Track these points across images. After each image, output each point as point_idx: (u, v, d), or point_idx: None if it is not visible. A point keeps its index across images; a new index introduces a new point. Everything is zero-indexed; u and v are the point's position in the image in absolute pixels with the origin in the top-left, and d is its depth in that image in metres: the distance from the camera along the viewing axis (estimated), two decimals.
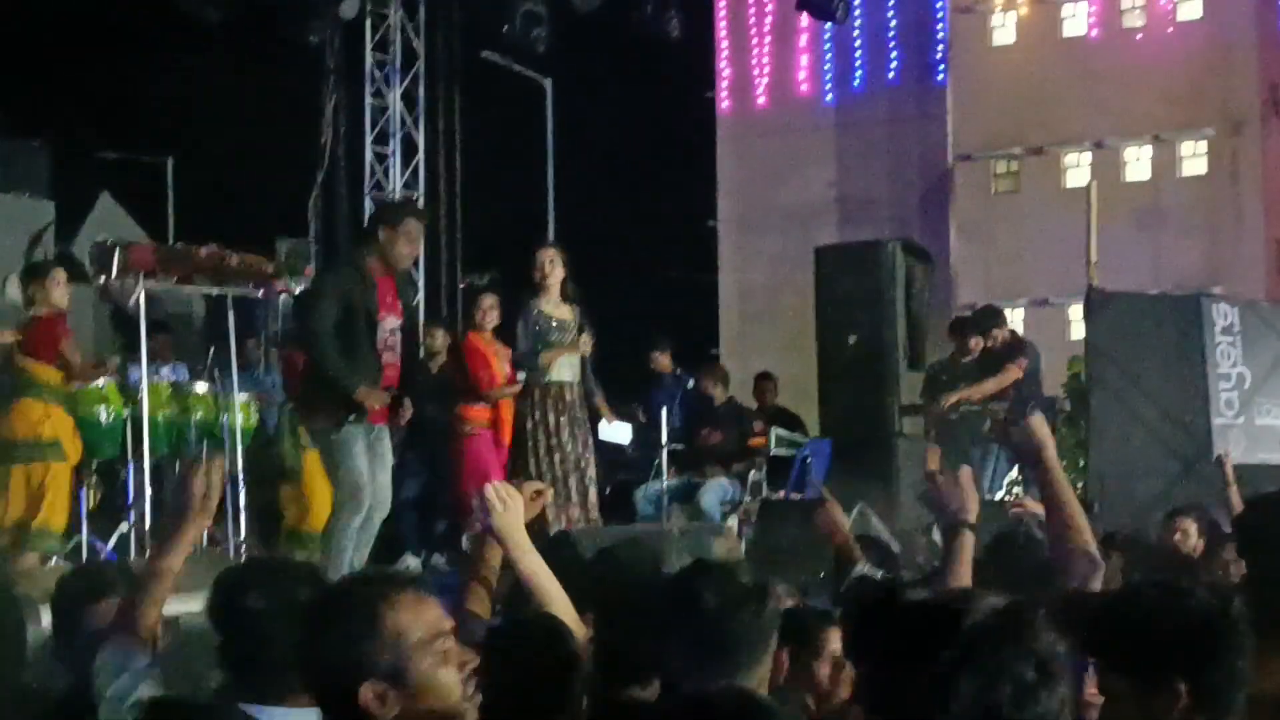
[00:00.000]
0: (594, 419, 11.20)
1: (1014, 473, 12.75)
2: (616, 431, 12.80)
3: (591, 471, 10.53)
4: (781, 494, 13.49)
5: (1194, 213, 30.87)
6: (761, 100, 34.87)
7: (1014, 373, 12.47)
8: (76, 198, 21.89)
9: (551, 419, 10.31)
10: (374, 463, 8.85)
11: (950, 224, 33.25)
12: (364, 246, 9.02)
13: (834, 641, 4.50)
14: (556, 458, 10.25)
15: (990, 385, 12.54)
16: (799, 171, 33.45)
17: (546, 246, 10.59)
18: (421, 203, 18.37)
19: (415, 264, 17.61)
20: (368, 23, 17.89)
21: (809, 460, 13.62)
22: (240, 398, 13.78)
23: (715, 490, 12.76)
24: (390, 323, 8.90)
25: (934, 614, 2.33)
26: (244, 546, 13.33)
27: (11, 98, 20.21)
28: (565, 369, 10.41)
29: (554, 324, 10.27)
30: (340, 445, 8.76)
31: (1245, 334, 13.60)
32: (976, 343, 12.88)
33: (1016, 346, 12.80)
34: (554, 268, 10.27)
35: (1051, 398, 13.69)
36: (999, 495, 12.40)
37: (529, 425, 10.31)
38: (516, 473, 10.00)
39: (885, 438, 12.91)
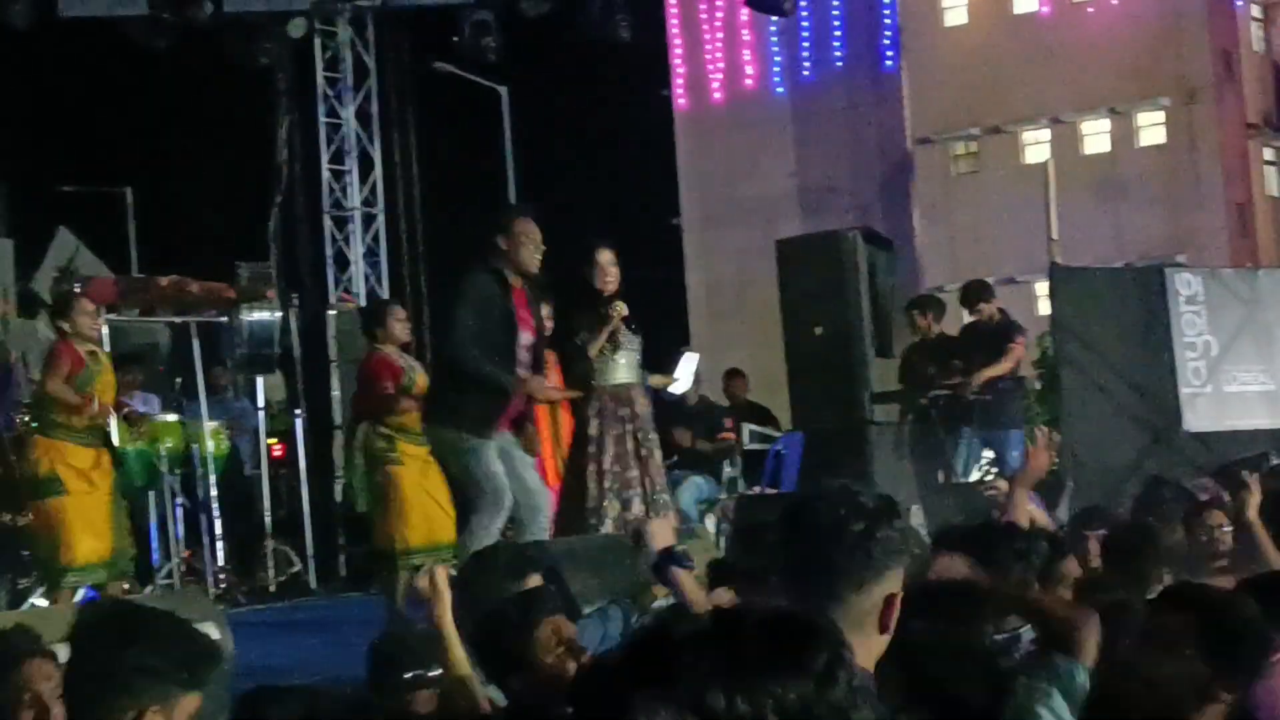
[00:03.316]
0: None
1: (988, 454, 12.76)
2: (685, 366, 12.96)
3: (656, 475, 10.43)
4: (757, 489, 13.50)
5: (1154, 183, 30.99)
6: (717, 96, 34.92)
7: (1019, 351, 12.53)
8: (35, 233, 21.83)
9: (614, 423, 10.25)
10: (514, 466, 8.81)
11: (913, 207, 33.31)
12: (492, 260, 8.89)
13: None
14: (620, 460, 10.18)
15: (1005, 365, 12.53)
16: (758, 164, 33.49)
17: (603, 248, 10.39)
18: (382, 220, 18.34)
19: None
20: (317, 41, 17.82)
21: (783, 454, 13.63)
22: (211, 424, 13.77)
23: (691, 489, 12.74)
24: (524, 338, 8.85)
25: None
26: (221, 576, 13.33)
27: None
28: (625, 370, 10.34)
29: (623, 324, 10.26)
30: (471, 454, 8.70)
31: (1209, 302, 13.64)
32: (925, 321, 12.90)
33: (1011, 324, 12.82)
34: (613, 269, 10.20)
35: (1022, 377, 13.70)
36: (973, 477, 12.42)
37: (591, 429, 10.22)
38: (576, 476, 9.94)
39: (857, 427, 12.89)
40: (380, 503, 10.26)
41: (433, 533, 9.96)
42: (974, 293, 13.05)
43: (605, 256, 10.02)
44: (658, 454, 10.25)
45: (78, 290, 11.33)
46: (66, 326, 10.14)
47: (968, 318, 13.00)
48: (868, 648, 3.14)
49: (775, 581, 3.57)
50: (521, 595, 4.96)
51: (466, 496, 9.09)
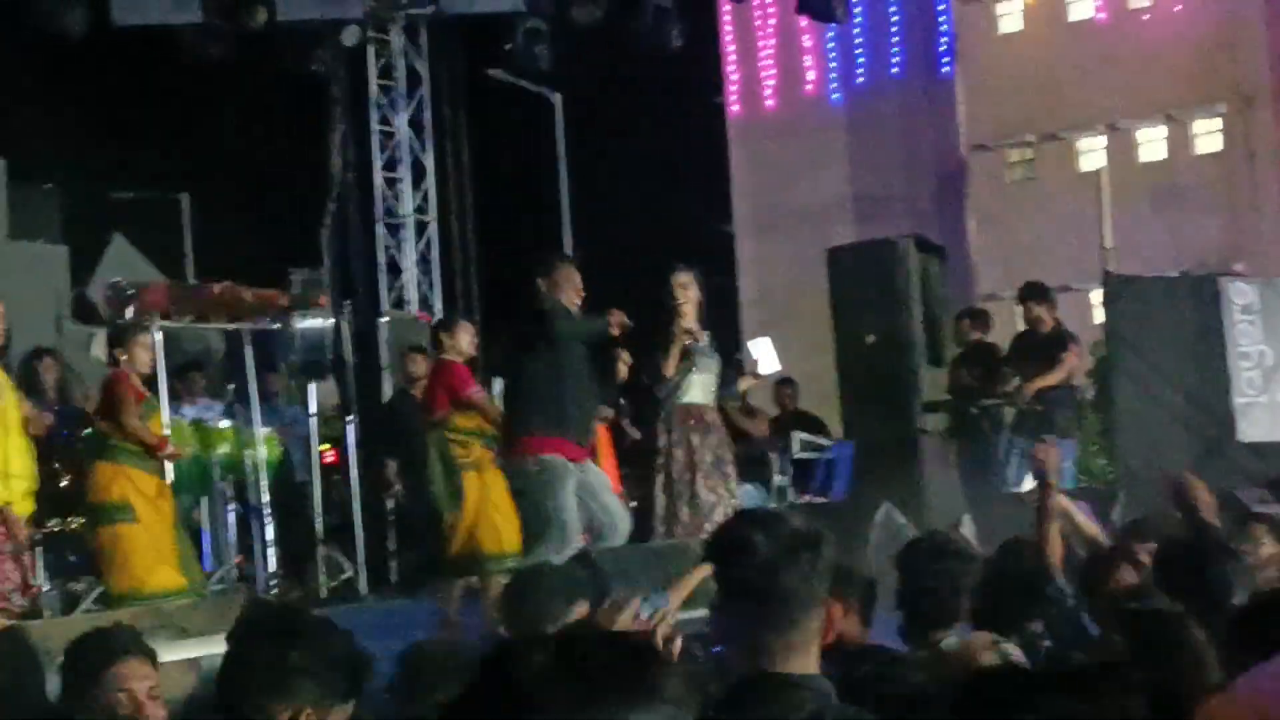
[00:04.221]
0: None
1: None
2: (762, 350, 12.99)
3: (732, 487, 10.48)
4: (807, 498, 13.47)
5: (1210, 190, 30.75)
6: (770, 102, 34.84)
7: (1072, 360, 12.47)
8: (90, 241, 21.94)
9: (688, 439, 10.30)
10: (593, 489, 8.91)
11: (967, 215, 33.16)
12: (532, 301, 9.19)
13: None
14: (688, 477, 10.23)
15: (1057, 375, 12.48)
16: (812, 172, 33.38)
17: (679, 272, 10.52)
18: (434, 228, 18.39)
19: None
20: (370, 49, 17.88)
21: (833, 462, 13.60)
22: (263, 431, 13.83)
23: (741, 497, 12.72)
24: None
25: None
26: (273, 582, 13.38)
27: (21, 144, 20.27)
28: (698, 390, 10.39)
29: (697, 345, 10.32)
30: (546, 486, 8.83)
31: (1265, 312, 13.52)
32: (968, 326, 12.86)
33: (1065, 334, 12.76)
34: (687, 292, 10.29)
35: (1074, 386, 13.63)
36: (1025, 487, 12.35)
37: (661, 441, 10.28)
38: (643, 490, 10.05)
39: (908, 436, 12.84)
40: (455, 507, 10.30)
41: (501, 541, 9.98)
42: (1034, 293, 13.00)
43: (678, 279, 10.16)
44: (726, 464, 10.29)
45: (136, 321, 11.39)
46: (124, 357, 10.20)
47: (1022, 323, 12.94)
48: (813, 661, 3.43)
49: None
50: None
51: (532, 527, 9.16)
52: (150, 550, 9.85)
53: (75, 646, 4.85)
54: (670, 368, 10.00)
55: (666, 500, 9.87)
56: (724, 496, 10.17)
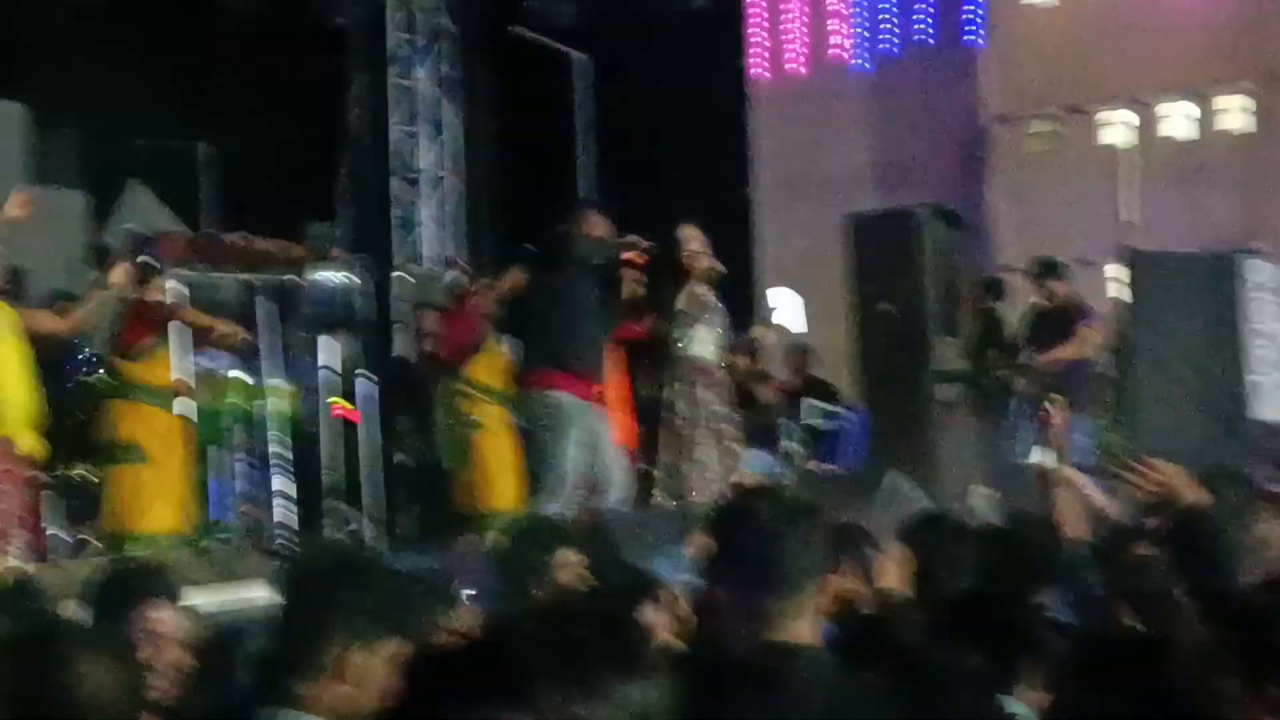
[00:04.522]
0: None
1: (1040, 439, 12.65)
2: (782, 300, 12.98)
3: (735, 447, 10.47)
4: (818, 465, 13.44)
5: (1232, 168, 30.52)
6: (793, 67, 34.63)
7: (1088, 335, 12.43)
8: (108, 187, 21.89)
9: (692, 393, 10.28)
10: (597, 442, 8.90)
11: (988, 186, 33.01)
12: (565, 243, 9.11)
13: None
14: (690, 432, 10.22)
15: (1072, 349, 12.42)
16: (833, 138, 33.19)
17: (684, 225, 10.52)
18: (451, 183, 18.34)
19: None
20: (392, 3, 17.83)
21: (844, 430, 13.57)
22: (274, 382, 13.82)
23: (751, 463, 12.69)
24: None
25: None
26: (280, 533, 13.38)
27: (38, 88, 20.21)
28: (705, 344, 10.38)
29: (708, 300, 10.28)
30: (551, 432, 8.79)
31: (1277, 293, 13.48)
32: (981, 296, 12.80)
33: (1081, 308, 12.70)
34: (695, 242, 10.27)
35: (1091, 361, 13.57)
36: (1028, 460, 12.31)
37: (665, 395, 10.29)
38: (653, 443, 10.03)
39: (921, 406, 12.81)
40: (462, 463, 10.30)
41: (505, 498, 9.99)
42: (1044, 270, 12.93)
43: (685, 231, 10.13)
44: (731, 429, 10.26)
45: (154, 261, 11.36)
46: (137, 297, 10.22)
47: (1034, 297, 12.87)
48: (811, 631, 3.53)
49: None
50: None
51: (536, 471, 9.16)
52: (154, 490, 9.85)
53: (104, 584, 4.86)
54: (683, 336, 10.00)
55: (669, 455, 9.86)
56: (725, 455, 10.16)
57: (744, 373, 13.02)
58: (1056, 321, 12.55)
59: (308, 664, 3.43)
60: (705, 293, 10.36)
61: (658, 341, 10.39)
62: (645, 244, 9.38)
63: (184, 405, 10.72)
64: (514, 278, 9.82)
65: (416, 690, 2.37)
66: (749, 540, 3.56)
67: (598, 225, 9.12)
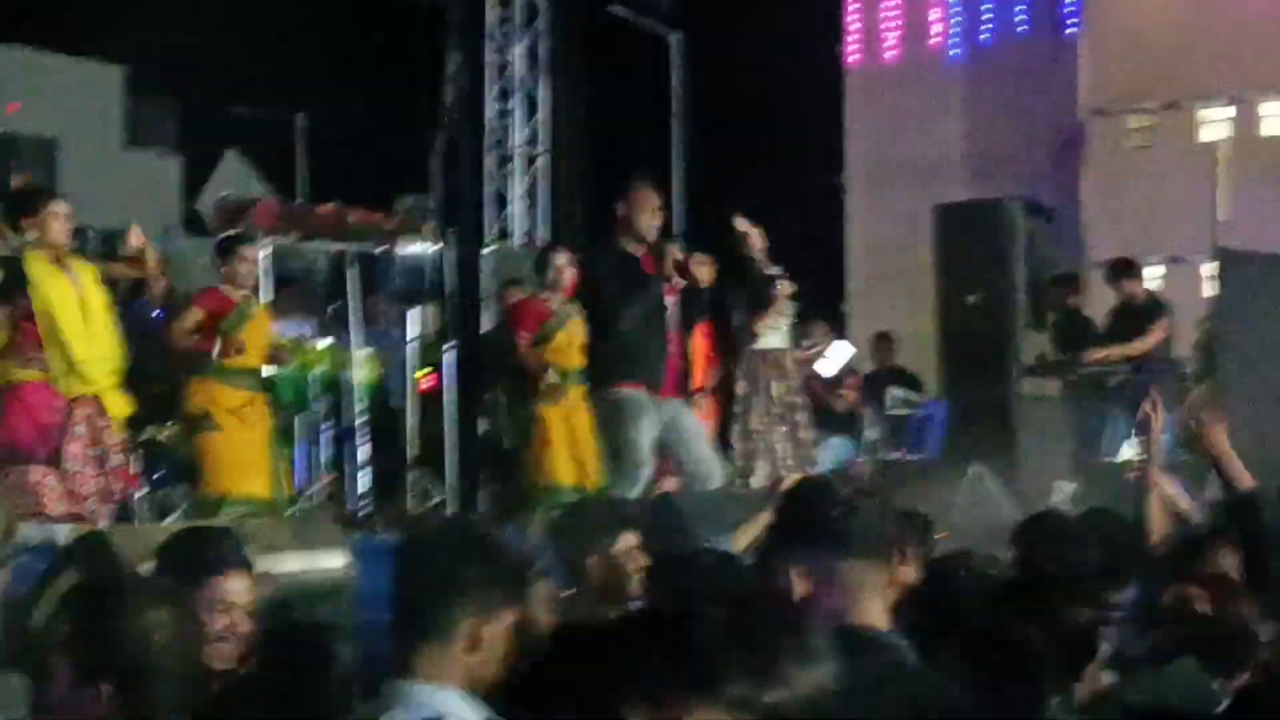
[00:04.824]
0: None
1: (1134, 437, 12.56)
2: (838, 353, 12.95)
3: (809, 437, 10.47)
4: (899, 454, 13.41)
5: None
6: (890, 54, 34.50)
7: (1158, 334, 12.32)
8: (204, 154, 22.11)
9: (767, 388, 10.29)
10: (684, 435, 8.83)
11: (1082, 180, 32.74)
12: (616, 229, 9.07)
13: None
14: (770, 421, 10.23)
15: (1137, 346, 12.35)
16: (927, 127, 33.05)
17: (738, 218, 10.51)
18: (544, 160, 18.38)
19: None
20: None
21: (927, 420, 13.53)
22: (363, 353, 13.92)
23: (830, 451, 12.69)
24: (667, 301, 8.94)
25: None
26: (363, 503, 13.49)
27: (142, 54, 20.44)
28: (774, 335, 10.39)
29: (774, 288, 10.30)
30: (623, 421, 8.79)
31: None
32: (1060, 292, 12.73)
33: (1155, 306, 12.60)
34: (751, 237, 10.27)
35: (1177, 360, 13.46)
36: (1122, 457, 12.23)
37: (740, 389, 10.29)
38: (721, 435, 10.03)
39: (1005, 399, 12.75)
40: (526, 440, 10.36)
41: (577, 475, 10.01)
42: (1118, 271, 12.86)
43: (743, 224, 10.10)
44: (803, 416, 10.24)
45: (239, 234, 11.44)
46: (224, 270, 10.34)
47: (1115, 297, 12.81)
48: (880, 617, 3.56)
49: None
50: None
51: (609, 461, 9.17)
52: (232, 458, 9.95)
53: (178, 551, 4.88)
54: (764, 324, 10.01)
55: (744, 448, 9.86)
56: (798, 445, 10.15)
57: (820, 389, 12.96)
58: (1133, 319, 12.48)
59: (432, 635, 3.48)
60: (775, 280, 10.34)
61: (728, 332, 10.37)
62: (679, 259, 9.18)
63: (271, 372, 10.83)
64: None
65: (591, 671, 2.40)
66: (811, 525, 3.62)
67: (646, 204, 9.00)
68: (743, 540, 5.91)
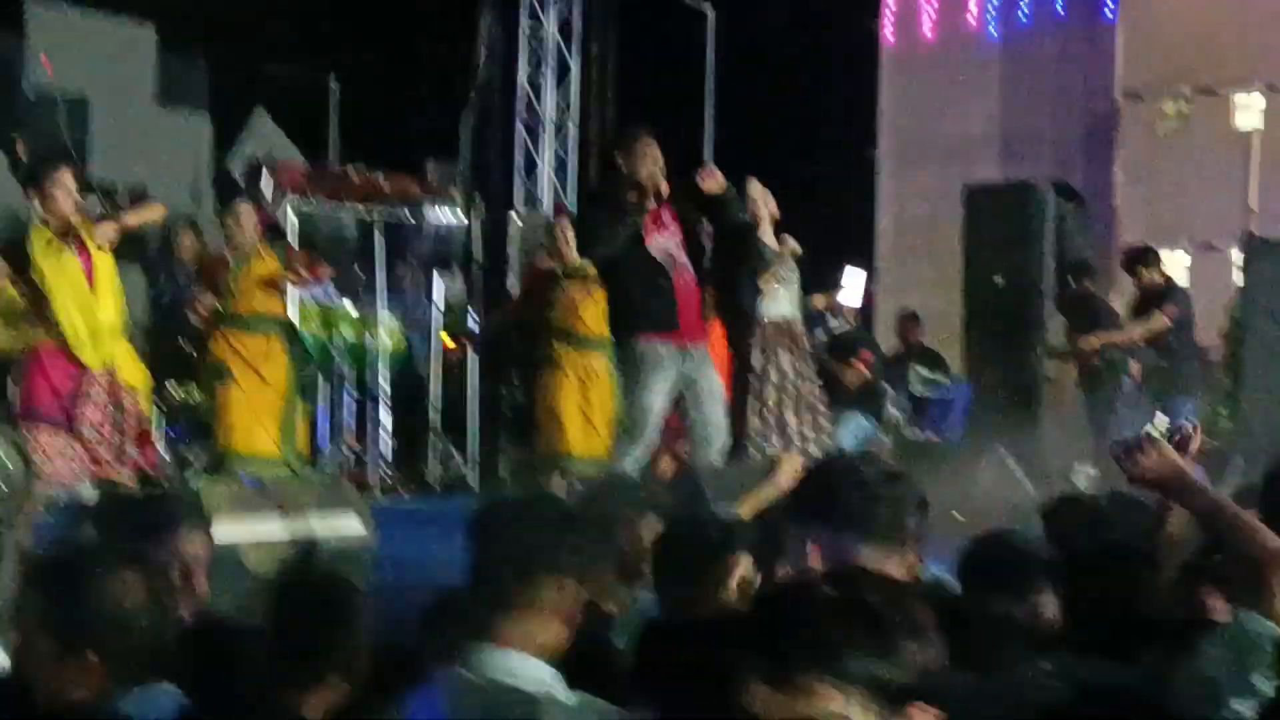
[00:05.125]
0: None
1: (1162, 419, 12.54)
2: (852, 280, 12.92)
3: (819, 409, 10.39)
4: (922, 434, 13.39)
5: None
6: (925, 33, 34.34)
7: (1161, 320, 12.24)
8: (235, 114, 22.13)
9: (779, 356, 10.22)
10: (699, 396, 8.65)
11: (1115, 164, 32.61)
12: (615, 181, 8.77)
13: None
14: (783, 395, 10.16)
15: (1137, 331, 12.33)
16: (961, 107, 32.89)
17: (751, 182, 10.31)
18: (574, 130, 18.36)
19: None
20: None
21: (951, 401, 13.50)
22: (386, 317, 13.95)
23: (851, 427, 12.65)
24: (659, 242, 8.59)
25: None
26: (386, 468, 13.54)
27: (173, 10, 20.42)
28: (784, 303, 10.32)
29: (780, 257, 10.22)
30: (634, 376, 8.54)
31: None
32: (1083, 284, 12.69)
33: (1167, 292, 12.55)
34: (761, 205, 10.18)
35: (1201, 346, 13.42)
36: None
37: (754, 361, 10.20)
38: (736, 408, 9.84)
39: (1029, 381, 12.72)
40: (539, 406, 10.38)
41: (586, 445, 10.01)
42: (1135, 259, 12.82)
43: (756, 189, 10.00)
44: (815, 389, 10.19)
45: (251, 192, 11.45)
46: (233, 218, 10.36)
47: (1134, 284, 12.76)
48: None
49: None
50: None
51: (623, 420, 9.05)
52: (245, 411, 9.96)
53: (136, 509, 4.93)
54: (770, 282, 9.94)
55: (759, 424, 9.80)
56: (811, 421, 10.09)
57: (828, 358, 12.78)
58: (1148, 306, 12.44)
59: (516, 602, 3.50)
60: (780, 250, 10.27)
61: (736, 306, 10.25)
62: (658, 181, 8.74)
63: (290, 331, 10.80)
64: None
65: (716, 648, 2.43)
66: (832, 506, 3.66)
67: (646, 154, 8.65)
68: (745, 509, 5.89)
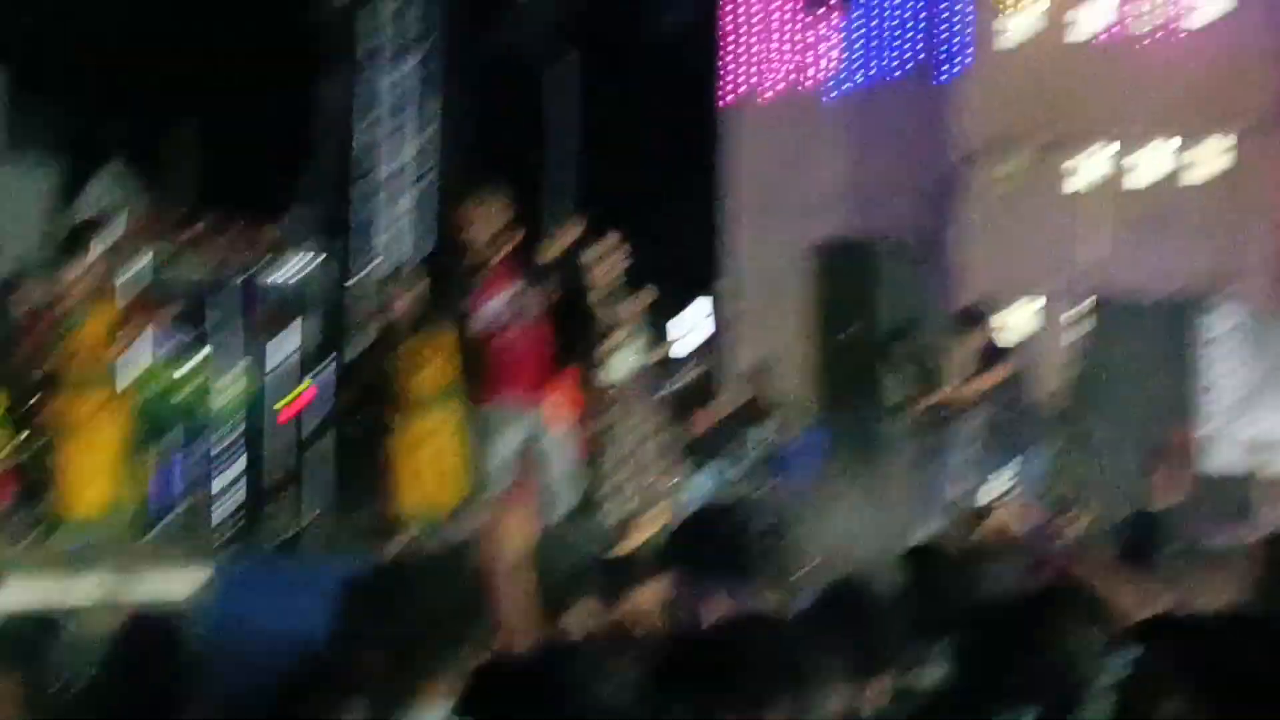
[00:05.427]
0: None
1: (1001, 473, 12.73)
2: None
3: (665, 467, 10.39)
4: (771, 484, 13.49)
5: (1203, 216, 30.72)
6: (771, 92, 34.77)
7: (998, 374, 12.44)
8: (86, 162, 21.85)
9: (621, 418, 10.23)
10: (546, 456, 8.68)
11: (957, 222, 33.18)
12: (457, 238, 8.76)
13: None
14: (628, 453, 10.15)
15: (975, 387, 12.52)
16: (806, 165, 33.31)
17: (602, 238, 10.33)
18: (425, 181, 18.34)
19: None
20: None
21: (798, 451, 13.63)
22: (236, 369, 13.81)
23: (701, 480, 12.73)
24: (500, 300, 8.54)
25: None
26: (227, 523, 13.36)
27: (25, 56, 20.14)
28: (629, 362, 10.34)
29: (622, 320, 10.24)
30: (483, 424, 8.51)
31: (1240, 341, 13.59)
32: (911, 342, 12.89)
33: (1002, 348, 12.75)
34: (598, 267, 10.19)
35: (1040, 399, 13.66)
36: (986, 496, 12.38)
37: (598, 422, 10.20)
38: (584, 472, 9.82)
39: (875, 432, 12.88)
40: (383, 464, 10.32)
41: (431, 503, 9.96)
42: (968, 317, 12.99)
43: (601, 247, 10.04)
44: (661, 444, 10.23)
45: (94, 237, 11.30)
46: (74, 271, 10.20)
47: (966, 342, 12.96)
48: None
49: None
50: None
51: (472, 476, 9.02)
52: (82, 471, 9.79)
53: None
54: (607, 349, 9.99)
55: (605, 482, 9.83)
56: (659, 478, 10.12)
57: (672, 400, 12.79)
58: (983, 362, 12.62)
59: (434, 668, 3.57)
60: (622, 311, 10.31)
61: (577, 362, 10.25)
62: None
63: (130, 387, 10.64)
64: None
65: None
66: (714, 556, 3.81)
67: (488, 213, 8.67)
68: (613, 557, 5.96)
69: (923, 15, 33.16)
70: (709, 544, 3.89)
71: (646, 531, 6.06)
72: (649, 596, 4.71)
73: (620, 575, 5.17)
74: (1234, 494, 12.12)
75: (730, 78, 34.75)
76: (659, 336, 12.44)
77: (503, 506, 8.54)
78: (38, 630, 4.64)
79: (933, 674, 4.25)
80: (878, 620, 4.40)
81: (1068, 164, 32.39)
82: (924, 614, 4.66)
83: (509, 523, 8.65)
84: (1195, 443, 12.93)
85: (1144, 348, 13.36)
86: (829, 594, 4.63)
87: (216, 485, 13.48)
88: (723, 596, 3.73)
